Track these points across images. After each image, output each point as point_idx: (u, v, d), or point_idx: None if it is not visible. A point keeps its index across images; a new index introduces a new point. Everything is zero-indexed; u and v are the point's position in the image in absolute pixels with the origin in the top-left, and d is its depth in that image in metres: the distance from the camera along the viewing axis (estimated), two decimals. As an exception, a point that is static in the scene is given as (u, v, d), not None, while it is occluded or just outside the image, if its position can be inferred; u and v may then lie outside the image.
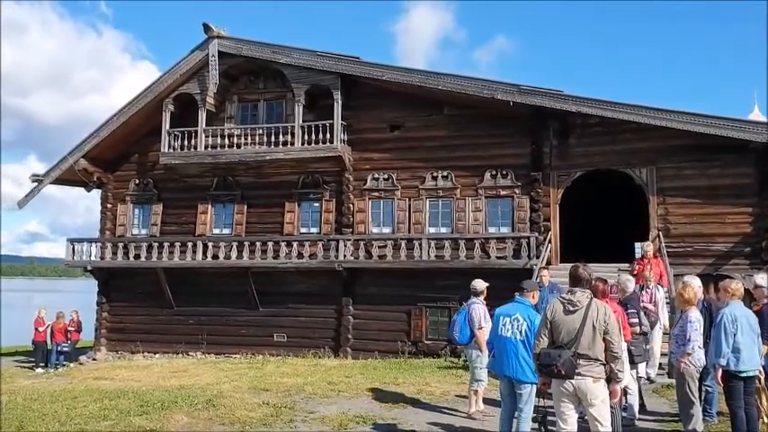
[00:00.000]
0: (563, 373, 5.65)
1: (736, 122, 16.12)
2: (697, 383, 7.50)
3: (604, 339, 5.72)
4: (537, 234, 17.92)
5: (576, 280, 6.00)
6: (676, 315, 8.64)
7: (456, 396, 11.01)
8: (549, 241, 17.78)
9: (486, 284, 9.73)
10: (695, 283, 8.17)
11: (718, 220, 16.77)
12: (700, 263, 16.45)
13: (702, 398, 8.13)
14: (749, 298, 8.49)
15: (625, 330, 7.94)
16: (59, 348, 20.19)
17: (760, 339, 7.17)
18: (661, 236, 16.93)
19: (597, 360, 5.71)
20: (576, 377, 5.66)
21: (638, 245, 15.76)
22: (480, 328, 9.15)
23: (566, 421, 5.83)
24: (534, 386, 6.99)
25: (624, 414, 8.05)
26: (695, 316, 7.48)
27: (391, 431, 8.63)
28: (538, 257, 17.15)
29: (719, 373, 7.23)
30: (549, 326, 5.90)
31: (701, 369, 7.48)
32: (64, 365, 20.00)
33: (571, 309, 5.81)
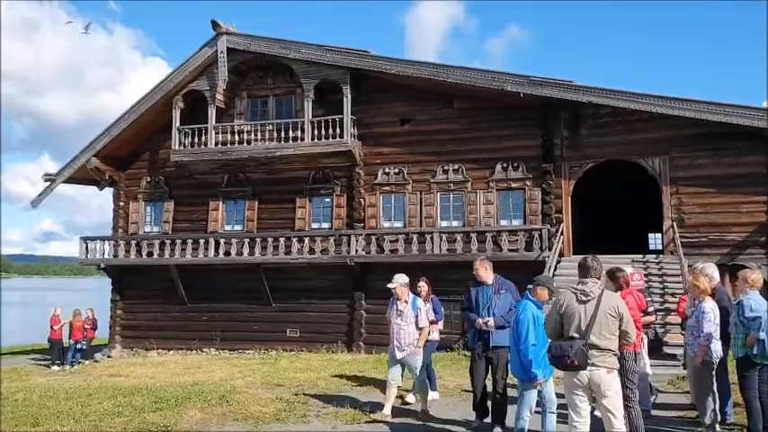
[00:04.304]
0: (576, 363, 5.53)
1: (750, 110, 15.93)
2: (714, 375, 7.41)
3: (620, 329, 5.64)
4: (549, 226, 17.82)
5: (585, 270, 5.91)
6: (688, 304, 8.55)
7: (464, 391, 10.94)
8: (562, 233, 17.66)
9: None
10: (709, 271, 8.06)
11: (733, 210, 16.61)
12: (714, 253, 16.28)
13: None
14: (766, 288, 8.37)
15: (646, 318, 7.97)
16: (77, 346, 20.30)
17: None
18: (675, 226, 16.78)
19: (610, 351, 5.62)
20: (589, 368, 5.57)
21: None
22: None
23: (579, 414, 5.73)
24: (528, 383, 6.79)
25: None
26: (709, 306, 7.38)
27: (404, 425, 8.59)
28: (550, 249, 17.07)
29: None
30: (559, 317, 5.81)
31: (717, 360, 7.39)
32: (80, 363, 20.12)
33: (584, 299, 5.71)
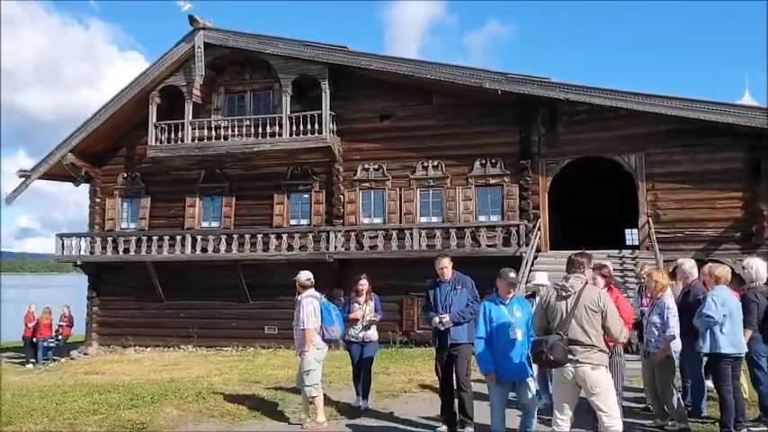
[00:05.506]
0: (551, 358, 5.43)
1: (726, 107, 16.14)
2: (676, 370, 7.49)
3: (603, 326, 5.54)
4: (526, 222, 17.94)
5: (570, 265, 5.82)
6: (640, 300, 8.60)
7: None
8: (539, 229, 17.78)
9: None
10: (686, 266, 8.09)
11: (709, 206, 16.81)
12: (690, 248, 16.44)
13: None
14: (739, 282, 8.43)
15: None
16: (46, 344, 20.07)
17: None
18: (651, 222, 16.93)
19: (594, 347, 5.48)
20: (575, 365, 5.46)
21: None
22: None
23: (562, 411, 5.67)
24: (487, 381, 6.69)
25: None
26: (672, 302, 7.44)
27: (382, 421, 8.58)
28: (528, 245, 17.16)
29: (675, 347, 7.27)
30: (544, 313, 5.73)
31: (678, 354, 7.48)
32: (55, 360, 19.91)
33: (564, 294, 5.62)
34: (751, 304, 7.28)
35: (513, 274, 6.66)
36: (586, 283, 5.72)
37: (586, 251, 6.07)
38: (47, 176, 22.86)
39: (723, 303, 6.93)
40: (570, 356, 5.47)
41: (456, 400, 7.57)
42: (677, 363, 7.74)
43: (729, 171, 16.70)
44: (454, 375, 7.52)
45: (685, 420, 7.37)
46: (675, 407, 7.33)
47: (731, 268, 8.12)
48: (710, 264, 7.83)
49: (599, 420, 5.63)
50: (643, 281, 8.32)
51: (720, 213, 16.74)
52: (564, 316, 5.57)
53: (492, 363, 6.41)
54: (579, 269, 5.77)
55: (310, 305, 8.29)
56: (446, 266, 7.65)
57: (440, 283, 7.64)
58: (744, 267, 7.74)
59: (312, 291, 8.53)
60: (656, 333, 7.38)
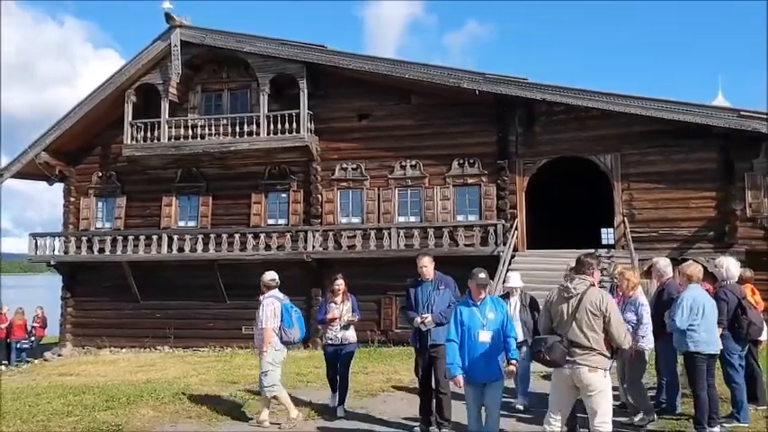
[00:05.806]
0: (548, 359, 5.46)
1: (700, 108, 16.37)
2: (647, 365, 7.59)
3: (606, 330, 5.50)
4: (504, 221, 18.05)
5: (577, 266, 5.80)
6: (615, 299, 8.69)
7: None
8: (516, 228, 17.89)
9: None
10: (661, 265, 8.17)
11: (683, 205, 17.05)
12: (665, 247, 16.65)
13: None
14: (713, 280, 8.51)
15: None
16: (19, 345, 19.80)
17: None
18: (626, 222, 17.11)
19: (593, 349, 5.46)
20: (572, 366, 5.46)
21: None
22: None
23: (555, 411, 5.71)
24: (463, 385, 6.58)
25: None
26: (644, 298, 7.54)
27: (359, 421, 8.58)
28: (505, 244, 17.27)
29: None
30: (548, 314, 5.74)
31: (649, 352, 7.57)
32: (28, 362, 19.65)
33: (566, 296, 5.60)
34: (721, 303, 7.36)
35: (483, 275, 6.47)
36: (591, 285, 5.66)
37: (595, 252, 6.01)
38: (20, 175, 22.60)
39: (692, 307, 6.98)
40: (568, 358, 5.47)
41: (434, 401, 7.57)
42: (649, 359, 7.85)
43: (703, 171, 16.95)
44: (433, 376, 7.52)
45: (651, 412, 7.47)
46: (644, 402, 7.43)
47: (704, 267, 8.21)
48: (684, 263, 7.91)
49: (589, 420, 5.62)
50: (615, 280, 8.38)
51: (694, 213, 16.97)
52: (565, 317, 5.57)
53: (460, 366, 6.26)
54: (588, 270, 5.73)
55: (271, 305, 8.25)
56: (426, 265, 7.59)
57: (421, 282, 7.58)
58: (716, 266, 7.84)
59: (275, 291, 8.48)
60: (631, 330, 7.46)
